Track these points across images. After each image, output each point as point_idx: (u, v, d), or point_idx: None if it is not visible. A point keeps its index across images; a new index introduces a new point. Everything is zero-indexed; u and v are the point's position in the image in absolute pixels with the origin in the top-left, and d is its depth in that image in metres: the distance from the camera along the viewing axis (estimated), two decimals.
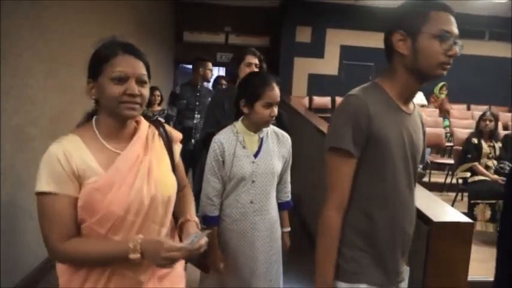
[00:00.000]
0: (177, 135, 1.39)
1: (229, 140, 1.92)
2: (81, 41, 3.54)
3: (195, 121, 4.06)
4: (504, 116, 7.56)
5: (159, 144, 1.30)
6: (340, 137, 1.26)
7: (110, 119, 1.20)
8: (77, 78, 3.51)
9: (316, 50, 8.73)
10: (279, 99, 1.90)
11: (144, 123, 1.29)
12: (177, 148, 1.40)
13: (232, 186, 1.92)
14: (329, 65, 8.78)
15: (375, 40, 8.59)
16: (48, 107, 3.03)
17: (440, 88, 7.73)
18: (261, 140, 1.95)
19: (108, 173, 1.16)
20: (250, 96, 1.87)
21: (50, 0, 2.96)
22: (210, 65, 4.23)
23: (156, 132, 1.32)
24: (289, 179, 2.13)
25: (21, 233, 2.71)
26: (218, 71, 12.24)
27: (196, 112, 4.08)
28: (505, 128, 6.83)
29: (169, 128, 1.38)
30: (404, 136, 1.32)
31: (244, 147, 1.91)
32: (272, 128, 2.02)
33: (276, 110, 1.89)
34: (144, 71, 1.21)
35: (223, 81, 4.93)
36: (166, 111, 4.57)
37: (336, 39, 8.72)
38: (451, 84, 7.85)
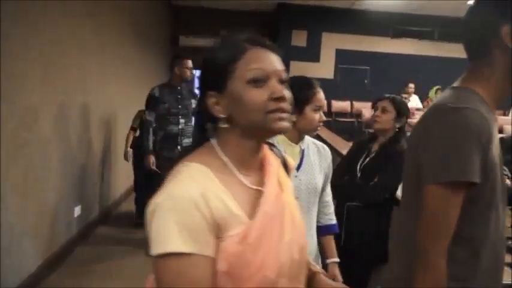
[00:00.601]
0: (292, 162, 1.08)
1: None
2: (76, 45, 3.53)
3: (180, 126, 3.71)
4: (499, 119, 7.60)
5: (285, 175, 0.97)
6: (467, 167, 0.96)
7: (244, 141, 0.85)
8: (72, 83, 3.51)
9: (311, 53, 8.76)
10: (325, 102, 1.77)
11: (266, 148, 0.95)
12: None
13: None
14: (325, 68, 8.80)
15: (370, 44, 8.67)
16: (43, 112, 3.01)
17: (436, 92, 7.76)
18: (303, 152, 1.76)
19: (257, 221, 0.81)
20: (299, 100, 1.65)
21: (45, 3, 2.94)
22: (187, 63, 3.77)
23: (279, 160, 0.99)
24: (330, 198, 1.91)
25: (16, 240, 2.69)
26: None
27: (180, 116, 3.72)
28: (500, 131, 6.87)
29: (284, 154, 1.08)
30: (499, 153, 1.07)
31: None
32: (311, 140, 1.84)
33: (323, 114, 1.75)
34: (283, 67, 0.88)
35: None
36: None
37: (332, 43, 8.75)
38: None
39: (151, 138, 3.67)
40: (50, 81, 3.09)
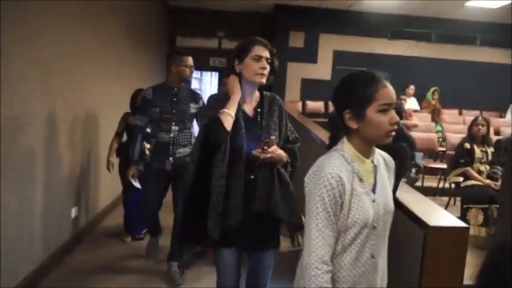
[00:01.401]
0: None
1: (347, 172, 1.35)
2: (73, 47, 3.52)
3: (172, 134, 3.13)
4: (495, 121, 7.64)
5: None
6: None
7: None
8: (69, 84, 3.49)
9: (309, 55, 8.77)
10: (395, 98, 1.37)
11: None
12: None
13: (351, 238, 1.34)
14: (322, 69, 8.82)
15: (367, 45, 8.68)
16: (39, 113, 2.99)
17: (432, 93, 7.79)
18: (375, 169, 1.42)
19: None
20: (357, 102, 1.33)
21: (41, 5, 2.93)
22: (187, 60, 3.19)
23: None
24: None
25: (13, 239, 2.67)
26: (211, 76, 12.27)
27: (173, 123, 3.13)
28: (497, 133, 6.89)
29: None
30: None
31: (361, 180, 1.36)
32: (377, 150, 1.48)
33: (395, 114, 1.36)
34: None
35: (226, 80, 3.73)
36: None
37: (329, 44, 8.76)
38: (443, 90, 7.91)
39: (138, 146, 3.20)
40: (48, 81, 3.08)
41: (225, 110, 1.91)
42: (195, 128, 3.20)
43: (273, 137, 1.96)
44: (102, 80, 4.35)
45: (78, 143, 3.81)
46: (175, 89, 3.18)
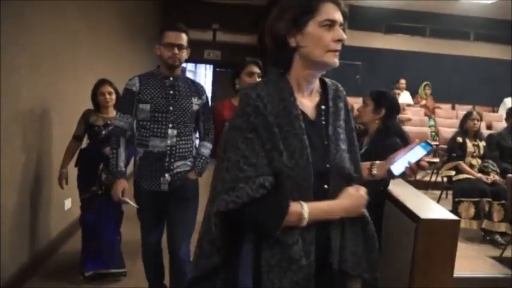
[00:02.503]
0: None
1: None
2: (65, 38, 3.49)
3: (168, 142, 2.29)
4: (487, 115, 7.70)
5: None
6: None
7: None
8: (61, 74, 3.47)
9: None
10: None
11: None
12: None
13: None
14: None
15: (362, 39, 8.68)
16: (32, 103, 2.98)
17: (424, 88, 7.84)
18: None
19: None
20: None
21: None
22: (170, 36, 2.36)
23: None
24: None
25: (2, 235, 2.67)
26: (205, 69, 12.21)
27: (170, 125, 2.30)
28: (489, 127, 6.95)
29: None
30: None
31: None
32: None
33: None
34: None
35: (256, 69, 2.53)
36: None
37: None
38: (437, 84, 7.95)
39: (122, 154, 2.35)
40: (38, 72, 3.05)
41: (304, 209, 1.13)
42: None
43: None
44: (94, 71, 4.33)
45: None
46: (171, 78, 2.36)
